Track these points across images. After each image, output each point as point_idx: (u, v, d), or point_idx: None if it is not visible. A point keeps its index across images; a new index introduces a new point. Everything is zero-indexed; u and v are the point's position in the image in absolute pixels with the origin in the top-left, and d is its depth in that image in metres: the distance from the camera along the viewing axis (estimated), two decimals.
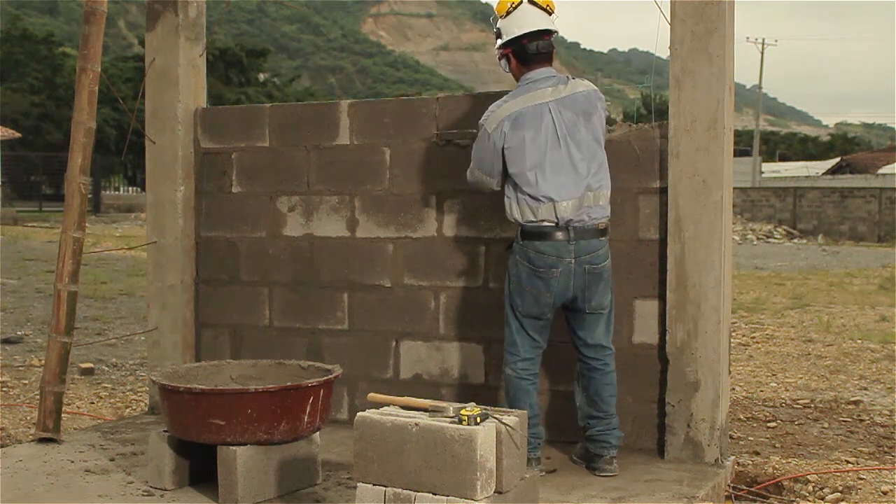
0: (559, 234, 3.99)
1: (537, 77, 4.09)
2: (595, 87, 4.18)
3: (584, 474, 4.16)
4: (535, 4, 4.08)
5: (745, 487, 4.59)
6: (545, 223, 3.99)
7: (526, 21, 4.06)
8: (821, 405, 6.58)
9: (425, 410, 3.26)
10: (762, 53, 55.58)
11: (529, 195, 4.00)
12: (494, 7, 4.19)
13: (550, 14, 4.11)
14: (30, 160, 41.34)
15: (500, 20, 4.12)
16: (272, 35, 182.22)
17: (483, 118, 4.12)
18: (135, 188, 46.19)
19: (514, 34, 4.06)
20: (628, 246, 4.49)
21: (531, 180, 3.99)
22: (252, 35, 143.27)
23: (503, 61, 4.19)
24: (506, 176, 4.08)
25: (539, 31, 4.06)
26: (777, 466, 4.97)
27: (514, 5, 4.07)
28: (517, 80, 4.17)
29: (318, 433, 3.98)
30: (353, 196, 5.16)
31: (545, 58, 4.11)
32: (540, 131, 4.00)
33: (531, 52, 4.07)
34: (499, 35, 4.13)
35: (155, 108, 5.45)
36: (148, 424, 5.06)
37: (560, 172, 3.98)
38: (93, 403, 6.51)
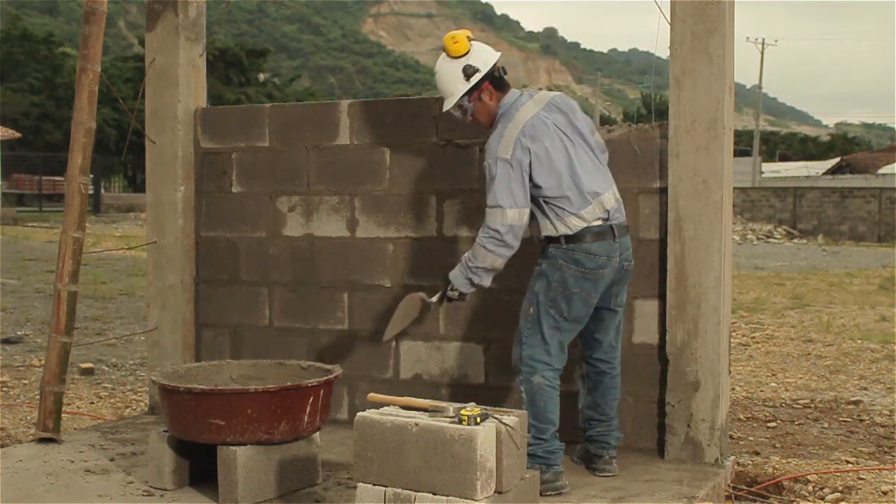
0: (608, 234, 3.92)
1: (512, 98, 4.01)
2: (560, 93, 4.20)
3: (584, 474, 4.16)
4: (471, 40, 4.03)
5: (745, 487, 4.59)
6: (595, 223, 3.90)
7: (485, 50, 4.01)
8: (821, 405, 6.58)
9: (425, 410, 3.27)
10: (762, 53, 55.60)
11: (571, 200, 3.86)
12: (451, 53, 3.97)
13: None
14: (30, 160, 41.35)
15: (463, 58, 3.95)
16: (272, 35, 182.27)
17: (490, 157, 3.89)
18: (123, 191, 46.17)
19: (493, 59, 3.98)
20: None
21: (572, 183, 3.87)
22: (252, 35, 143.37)
23: (472, 105, 4.00)
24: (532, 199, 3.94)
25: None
26: (777, 466, 4.97)
27: (469, 38, 3.99)
28: (490, 114, 4.03)
29: (318, 433, 3.98)
30: (353, 196, 5.16)
31: (507, 82, 4.07)
32: (554, 138, 3.92)
33: (504, 75, 4.03)
34: (469, 75, 3.94)
35: (155, 108, 5.45)
36: (148, 424, 5.06)
37: (590, 170, 3.95)
38: (93, 403, 6.51)
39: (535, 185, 3.89)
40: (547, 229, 3.94)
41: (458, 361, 4.91)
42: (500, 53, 4.06)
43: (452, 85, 3.99)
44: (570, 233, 3.89)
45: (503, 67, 4.04)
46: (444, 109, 4.08)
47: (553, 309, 3.92)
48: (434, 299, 4.05)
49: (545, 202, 3.91)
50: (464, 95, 3.99)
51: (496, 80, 4.01)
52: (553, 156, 3.89)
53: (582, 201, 3.89)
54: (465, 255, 3.94)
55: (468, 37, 4.00)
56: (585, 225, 3.89)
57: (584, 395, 4.25)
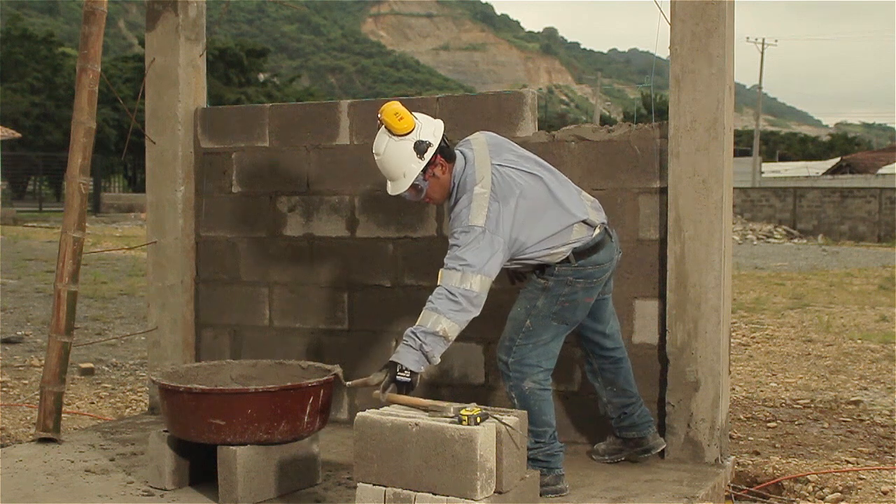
0: (607, 239, 3.91)
1: (460, 166, 3.79)
2: (480, 132, 4.07)
3: (583, 474, 4.16)
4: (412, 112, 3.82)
5: (745, 487, 4.59)
6: (595, 234, 3.86)
7: (429, 120, 3.80)
8: (821, 405, 6.58)
9: (426, 410, 3.26)
10: (762, 53, 55.61)
11: (558, 235, 3.79)
12: (397, 132, 3.69)
13: None
14: (30, 160, 41.35)
15: (412, 134, 3.70)
16: (272, 35, 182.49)
17: (461, 225, 3.63)
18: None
19: (441, 129, 3.77)
20: (628, 246, 4.49)
21: (553, 222, 3.79)
22: (252, 35, 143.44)
23: (427, 183, 3.74)
24: (519, 253, 3.80)
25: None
26: (777, 466, 4.97)
27: (412, 118, 3.73)
28: (445, 189, 3.81)
29: (318, 433, 3.98)
30: (353, 196, 5.16)
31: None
32: (519, 184, 3.78)
33: (450, 145, 3.81)
34: (423, 151, 3.69)
35: (155, 108, 5.45)
36: (148, 424, 5.06)
37: (562, 195, 3.87)
38: (93, 403, 6.51)
39: (519, 241, 3.74)
40: (547, 261, 3.84)
41: (458, 361, 4.91)
42: (441, 122, 3.83)
43: (405, 165, 3.71)
44: (573, 252, 3.82)
45: (445, 135, 3.81)
46: (394, 193, 3.79)
47: (556, 319, 3.89)
48: (379, 381, 3.49)
49: (533, 246, 3.79)
50: (419, 174, 3.73)
51: (446, 151, 3.78)
52: (527, 207, 3.75)
53: (569, 230, 3.83)
54: (409, 329, 3.55)
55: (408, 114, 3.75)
56: (584, 241, 3.85)
57: (605, 388, 4.24)
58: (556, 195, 3.85)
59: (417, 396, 3.53)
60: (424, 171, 3.73)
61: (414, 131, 3.71)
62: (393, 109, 3.73)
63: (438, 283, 3.62)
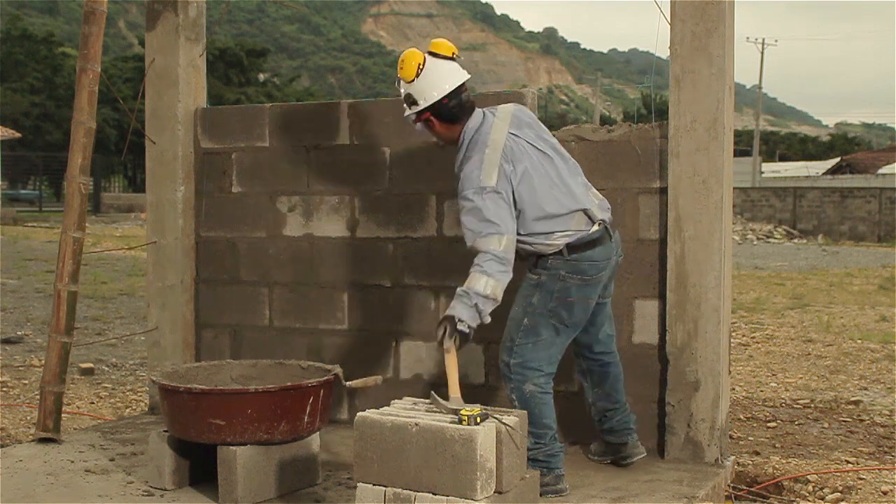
0: (605, 237, 3.89)
1: (477, 122, 3.85)
2: (512, 104, 4.11)
3: (583, 474, 4.16)
4: (438, 55, 3.82)
5: (745, 487, 4.59)
6: (593, 230, 3.86)
7: (442, 78, 3.79)
8: (821, 405, 6.59)
9: (450, 408, 3.25)
10: (762, 53, 55.67)
11: (559, 218, 3.80)
12: (399, 73, 3.82)
13: (455, 59, 3.85)
14: (30, 160, 41.37)
15: (408, 85, 3.80)
16: (272, 35, 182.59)
17: (471, 187, 3.69)
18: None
19: (433, 98, 3.79)
20: (628, 246, 4.49)
21: (556, 202, 3.80)
22: (252, 35, 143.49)
23: (419, 125, 3.91)
24: (518, 225, 3.80)
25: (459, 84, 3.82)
26: (777, 466, 4.97)
27: (421, 66, 3.77)
28: (443, 138, 3.94)
29: (318, 433, 3.98)
30: (353, 196, 5.16)
31: (471, 108, 3.89)
32: (532, 158, 3.82)
33: (453, 108, 3.83)
34: (411, 101, 3.82)
35: (155, 108, 5.45)
36: (148, 424, 5.06)
37: (570, 182, 3.88)
38: (93, 403, 6.51)
39: (519, 210, 3.77)
40: (542, 249, 3.84)
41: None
42: (454, 84, 3.82)
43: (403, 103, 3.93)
44: (567, 245, 3.82)
45: (464, 94, 3.84)
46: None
47: (554, 318, 3.88)
48: (444, 340, 3.56)
49: (533, 223, 3.80)
50: (408, 116, 3.90)
51: (446, 115, 3.84)
52: (534, 177, 3.79)
53: (570, 216, 3.83)
54: (459, 289, 3.62)
55: (421, 59, 3.79)
56: (580, 235, 3.84)
57: (592, 390, 4.23)
58: (565, 179, 3.88)
59: (417, 397, 3.54)
60: (414, 118, 3.88)
61: (408, 83, 3.81)
62: (404, 55, 3.83)
63: (480, 249, 3.64)
